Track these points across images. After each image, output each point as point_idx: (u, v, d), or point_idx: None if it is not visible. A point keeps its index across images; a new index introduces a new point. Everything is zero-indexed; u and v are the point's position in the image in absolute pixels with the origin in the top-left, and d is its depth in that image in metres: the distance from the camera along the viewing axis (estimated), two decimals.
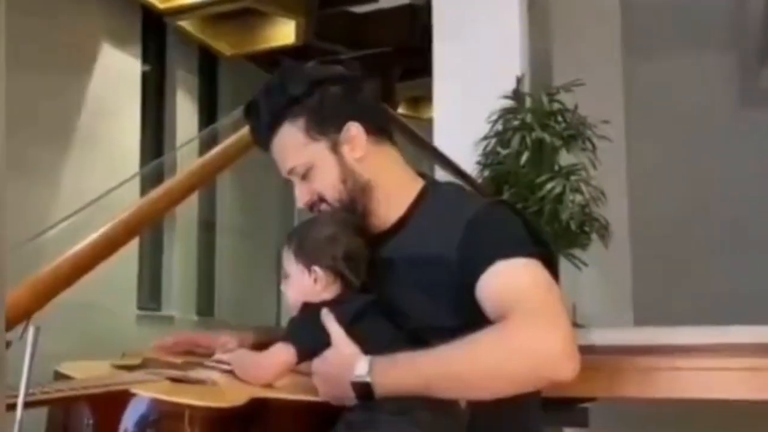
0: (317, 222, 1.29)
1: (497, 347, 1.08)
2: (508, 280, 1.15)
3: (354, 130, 1.29)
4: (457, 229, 1.21)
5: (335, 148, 1.29)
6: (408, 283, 1.23)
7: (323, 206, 1.31)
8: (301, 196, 1.33)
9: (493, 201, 1.37)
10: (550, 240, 2.23)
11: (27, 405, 0.85)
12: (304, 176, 1.31)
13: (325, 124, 1.29)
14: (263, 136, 1.34)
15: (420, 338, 1.16)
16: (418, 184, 1.34)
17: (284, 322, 1.33)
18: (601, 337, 2.04)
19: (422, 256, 1.23)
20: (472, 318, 1.15)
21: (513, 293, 1.13)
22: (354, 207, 1.29)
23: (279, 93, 1.31)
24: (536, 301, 1.11)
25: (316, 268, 1.24)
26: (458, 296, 1.18)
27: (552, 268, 1.19)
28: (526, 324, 1.08)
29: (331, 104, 1.29)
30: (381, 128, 1.34)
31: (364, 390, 1.11)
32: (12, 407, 0.85)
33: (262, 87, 1.35)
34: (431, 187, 1.35)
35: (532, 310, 1.10)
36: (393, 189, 1.32)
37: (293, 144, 1.30)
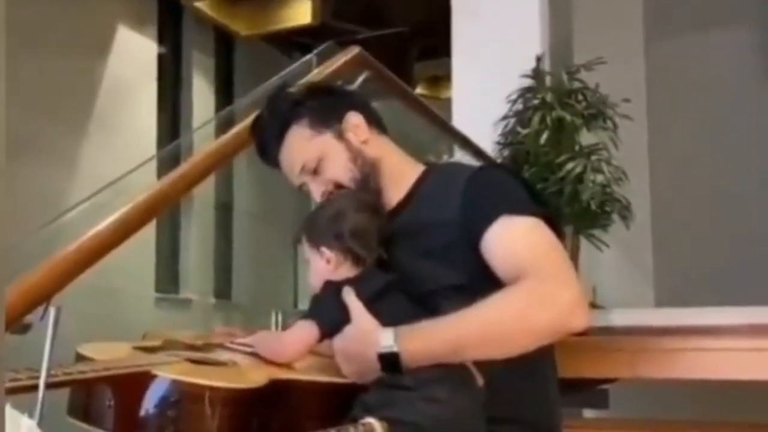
0: (324, 205, 1.32)
1: (519, 303, 1.14)
2: (517, 241, 1.20)
3: (355, 118, 1.37)
4: (457, 191, 1.27)
5: (341, 136, 1.36)
6: (417, 251, 1.26)
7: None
8: (318, 190, 1.37)
9: (491, 165, 1.42)
10: (569, 220, 2.22)
11: (49, 386, 0.85)
12: (316, 170, 1.36)
13: (328, 117, 1.37)
14: (272, 145, 1.40)
15: (436, 306, 1.18)
16: (420, 168, 1.41)
17: (301, 305, 1.34)
18: (622, 318, 2.02)
19: (428, 223, 1.28)
20: (478, 275, 1.20)
21: (523, 253, 1.19)
22: (368, 183, 1.34)
23: (282, 100, 1.40)
24: (547, 261, 1.18)
25: (324, 249, 1.25)
26: (465, 254, 1.23)
27: (555, 227, 1.25)
28: (542, 281, 1.15)
29: (331, 101, 1.40)
30: (378, 122, 1.42)
31: (391, 361, 1.10)
32: (34, 388, 0.85)
33: (263, 105, 1.43)
34: (432, 168, 1.42)
35: (544, 268, 1.17)
36: (397, 171, 1.38)
37: (301, 140, 1.37)
